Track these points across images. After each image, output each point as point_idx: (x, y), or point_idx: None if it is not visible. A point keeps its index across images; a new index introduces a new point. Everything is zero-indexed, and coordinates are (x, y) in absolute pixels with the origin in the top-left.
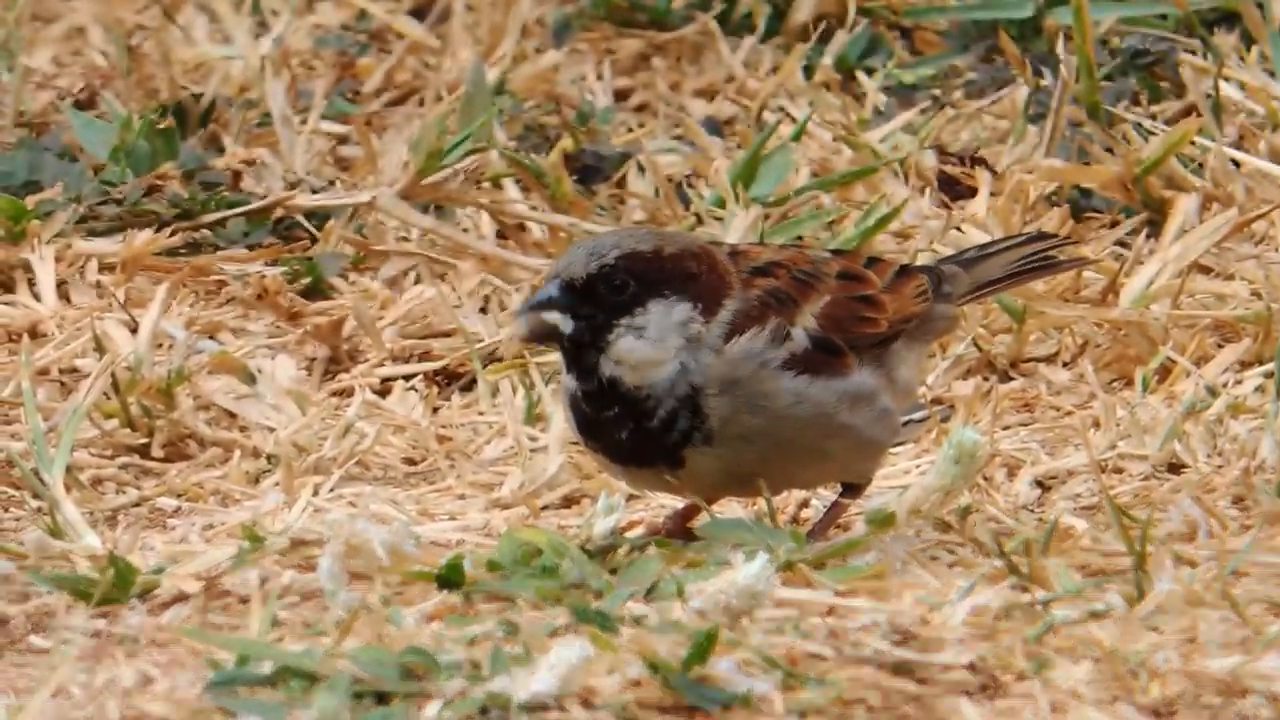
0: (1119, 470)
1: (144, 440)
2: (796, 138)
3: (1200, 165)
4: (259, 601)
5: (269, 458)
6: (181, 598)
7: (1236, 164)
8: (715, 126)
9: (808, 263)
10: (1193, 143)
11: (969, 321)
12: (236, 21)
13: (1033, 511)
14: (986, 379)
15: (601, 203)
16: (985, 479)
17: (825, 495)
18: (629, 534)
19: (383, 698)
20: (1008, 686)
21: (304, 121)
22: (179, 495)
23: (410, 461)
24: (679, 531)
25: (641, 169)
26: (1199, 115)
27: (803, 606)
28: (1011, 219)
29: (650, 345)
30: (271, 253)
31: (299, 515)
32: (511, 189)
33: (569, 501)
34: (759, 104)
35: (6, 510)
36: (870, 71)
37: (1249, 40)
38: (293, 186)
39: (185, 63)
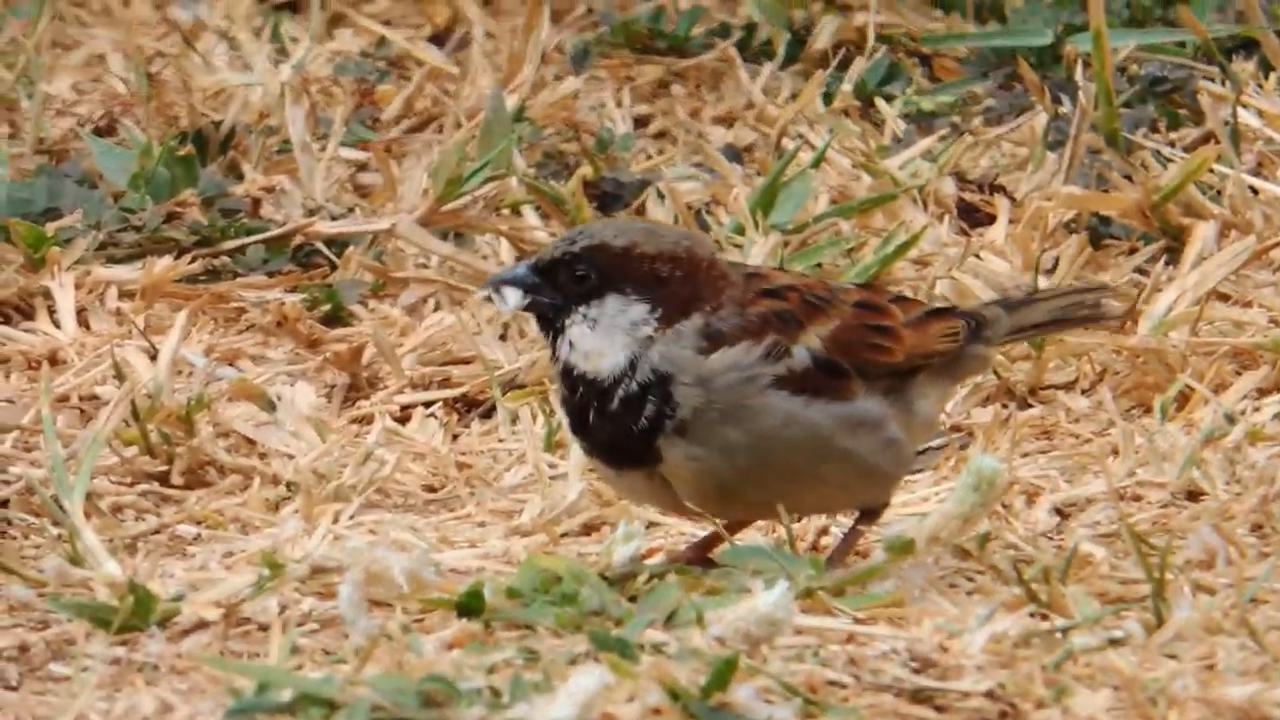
0: (1138, 498)
1: (164, 467)
2: (816, 165)
3: (1219, 192)
4: (279, 629)
5: (289, 485)
6: (201, 625)
7: (1255, 191)
8: (734, 153)
9: (825, 290)
10: (1211, 170)
11: None
12: (256, 48)
13: (1052, 539)
14: (1005, 406)
15: None
16: (1004, 506)
17: (844, 522)
18: (648, 561)
19: None
20: (1026, 714)
21: (323, 148)
22: (199, 522)
23: (430, 489)
24: (698, 559)
25: (661, 196)
26: (1217, 142)
27: (822, 634)
28: (1030, 246)
29: (598, 337)
30: (291, 280)
31: (319, 542)
32: (531, 216)
33: (589, 529)
34: (778, 131)
35: (26, 537)
36: (889, 99)
37: (1267, 67)
38: (312, 213)
39: (205, 90)
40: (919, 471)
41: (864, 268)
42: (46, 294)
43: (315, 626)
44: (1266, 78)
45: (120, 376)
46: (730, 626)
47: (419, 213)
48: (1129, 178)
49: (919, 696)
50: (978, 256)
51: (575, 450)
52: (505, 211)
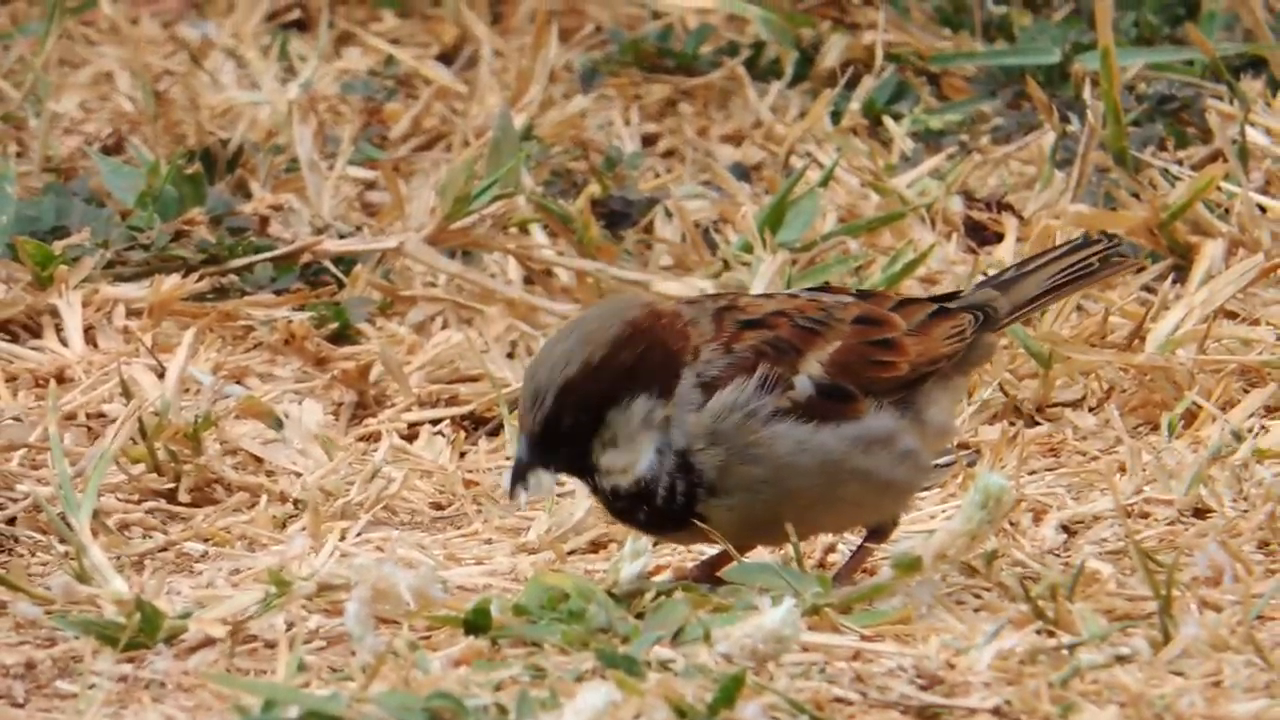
0: (1145, 515)
1: (171, 485)
2: (824, 183)
3: (1226, 211)
4: (285, 646)
5: (296, 503)
6: (208, 642)
7: (1263, 209)
8: (743, 172)
9: (818, 310)
10: (1219, 188)
11: (995, 366)
12: (264, 67)
13: (1058, 556)
14: (1013, 424)
15: (629, 248)
16: (1011, 524)
17: (851, 540)
18: (655, 579)
19: None
20: None
21: (331, 167)
22: (206, 540)
23: (437, 506)
24: (705, 577)
25: (669, 214)
26: (1225, 161)
27: (829, 651)
28: None
29: (624, 452)
30: (299, 298)
31: (326, 560)
32: (539, 234)
33: (596, 546)
34: (786, 149)
35: (34, 555)
36: (897, 117)
37: (1275, 86)
38: (320, 232)
39: (213, 108)
40: (927, 488)
41: (871, 287)
42: (54, 312)
43: (322, 644)
44: (1274, 96)
45: (128, 394)
46: (737, 643)
47: (427, 231)
48: (1137, 196)
49: (926, 713)
50: (985, 275)
51: None
52: (513, 230)
